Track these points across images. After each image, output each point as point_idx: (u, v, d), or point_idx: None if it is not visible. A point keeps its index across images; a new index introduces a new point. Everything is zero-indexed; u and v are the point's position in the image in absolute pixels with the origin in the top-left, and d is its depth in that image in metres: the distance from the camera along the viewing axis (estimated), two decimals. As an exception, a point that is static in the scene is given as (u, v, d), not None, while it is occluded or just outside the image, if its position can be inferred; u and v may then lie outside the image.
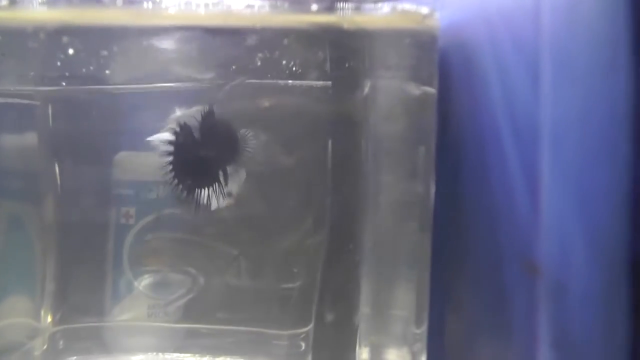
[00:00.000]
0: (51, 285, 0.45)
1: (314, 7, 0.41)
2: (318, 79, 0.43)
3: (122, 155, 0.44)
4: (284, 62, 0.42)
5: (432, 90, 0.44)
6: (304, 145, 0.45)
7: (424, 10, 0.43)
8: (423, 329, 0.46)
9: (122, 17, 0.41)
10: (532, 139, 0.34)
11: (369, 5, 0.42)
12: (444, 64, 0.44)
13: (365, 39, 0.43)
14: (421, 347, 0.46)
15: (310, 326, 0.45)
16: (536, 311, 0.34)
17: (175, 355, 0.45)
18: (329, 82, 0.43)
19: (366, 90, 0.44)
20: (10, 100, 0.44)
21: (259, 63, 0.42)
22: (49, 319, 0.45)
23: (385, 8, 0.42)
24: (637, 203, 0.28)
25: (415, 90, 0.44)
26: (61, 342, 0.46)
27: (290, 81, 0.43)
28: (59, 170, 0.44)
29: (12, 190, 0.45)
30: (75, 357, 0.45)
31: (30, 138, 0.45)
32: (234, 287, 0.45)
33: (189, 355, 0.45)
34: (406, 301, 0.46)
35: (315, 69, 0.43)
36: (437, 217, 0.44)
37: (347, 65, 0.44)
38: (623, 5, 0.29)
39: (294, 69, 0.43)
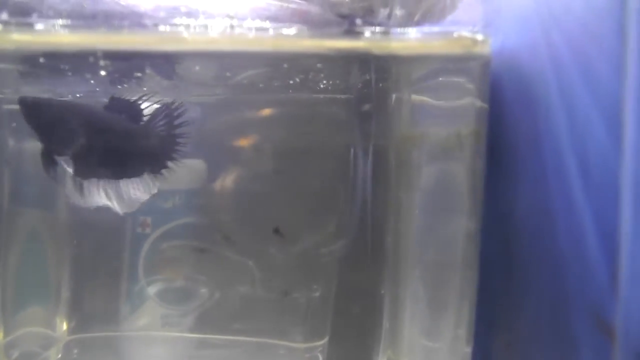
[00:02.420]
0: (66, 294, 0.46)
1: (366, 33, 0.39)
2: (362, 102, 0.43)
3: None
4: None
5: (483, 117, 0.42)
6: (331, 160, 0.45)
7: (477, 36, 0.40)
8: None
9: (141, 42, 0.40)
10: (610, 193, 0.32)
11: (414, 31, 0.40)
12: (496, 90, 0.41)
13: (412, 63, 0.42)
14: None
15: (326, 339, 0.45)
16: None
17: None
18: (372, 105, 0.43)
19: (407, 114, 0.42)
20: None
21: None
22: (64, 327, 0.46)
23: (433, 33, 0.40)
24: None
25: (464, 117, 0.42)
26: (75, 351, 0.46)
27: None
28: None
29: (28, 199, 0.45)
30: None
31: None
32: (249, 297, 0.45)
33: None
34: (442, 326, 0.44)
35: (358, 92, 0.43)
36: (486, 251, 0.42)
37: (389, 89, 0.43)
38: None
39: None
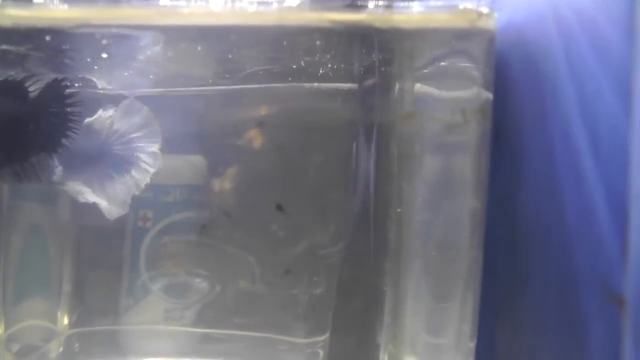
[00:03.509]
0: (67, 288, 0.45)
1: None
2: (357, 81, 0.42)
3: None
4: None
5: (488, 94, 0.41)
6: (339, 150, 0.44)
7: (482, 9, 0.39)
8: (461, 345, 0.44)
9: (140, 16, 0.41)
10: (620, 163, 0.31)
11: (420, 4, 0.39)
12: (502, 66, 0.41)
13: (410, 38, 0.41)
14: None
15: (328, 335, 0.45)
16: (620, 345, 0.32)
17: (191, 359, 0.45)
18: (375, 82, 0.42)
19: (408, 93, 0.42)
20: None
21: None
22: (65, 321, 0.46)
23: (438, 5, 0.40)
24: None
25: (469, 94, 0.41)
26: (77, 345, 0.46)
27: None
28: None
29: (29, 193, 0.45)
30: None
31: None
32: (251, 292, 0.45)
33: None
34: (445, 321, 0.43)
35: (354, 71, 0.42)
36: (490, 233, 0.42)
37: (388, 67, 0.42)
38: None
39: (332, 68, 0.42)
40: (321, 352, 0.45)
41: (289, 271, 0.45)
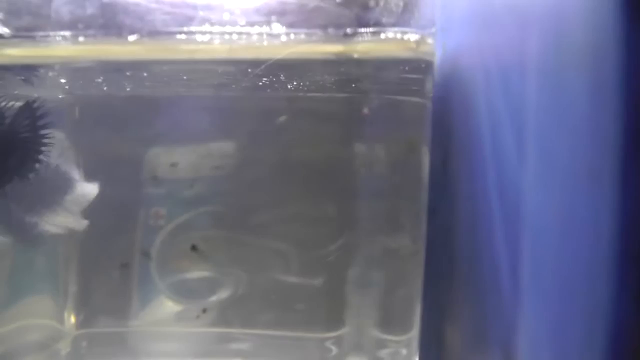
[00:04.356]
0: (74, 288, 0.45)
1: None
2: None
3: (154, 154, 0.44)
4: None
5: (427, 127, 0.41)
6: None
7: (415, 37, 0.38)
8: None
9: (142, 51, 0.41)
10: (516, 220, 0.29)
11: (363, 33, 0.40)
12: (442, 93, 0.39)
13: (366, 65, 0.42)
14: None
15: (343, 330, 0.44)
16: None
17: None
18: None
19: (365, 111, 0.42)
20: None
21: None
22: (72, 321, 0.45)
23: (378, 35, 0.40)
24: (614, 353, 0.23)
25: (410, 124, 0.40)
26: (84, 345, 0.45)
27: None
28: (85, 170, 0.43)
29: None
30: None
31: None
32: (266, 290, 0.44)
33: None
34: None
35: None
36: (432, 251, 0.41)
37: (353, 86, 0.42)
38: (610, 100, 0.22)
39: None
40: (336, 348, 0.44)
41: (304, 267, 0.44)
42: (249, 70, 0.42)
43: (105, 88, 0.43)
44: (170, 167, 0.43)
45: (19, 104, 0.41)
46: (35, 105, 0.40)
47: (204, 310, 0.43)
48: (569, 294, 0.25)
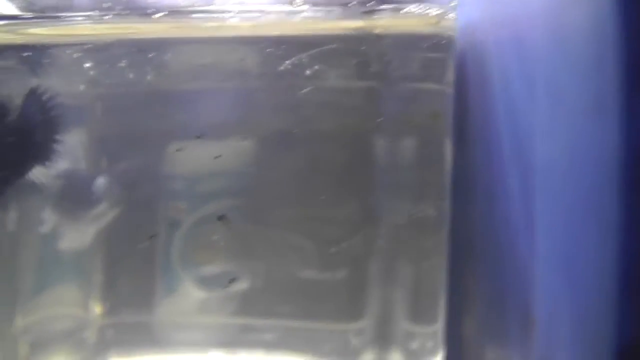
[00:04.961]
0: (99, 278, 0.45)
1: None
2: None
3: (174, 149, 0.44)
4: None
5: (449, 98, 0.41)
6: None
7: (436, 11, 0.39)
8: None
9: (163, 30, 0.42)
10: (530, 173, 0.29)
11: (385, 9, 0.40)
12: (461, 67, 0.39)
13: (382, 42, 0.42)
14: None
15: (364, 321, 0.44)
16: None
17: (227, 351, 0.45)
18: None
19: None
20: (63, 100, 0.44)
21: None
22: (98, 311, 0.46)
23: (398, 11, 0.40)
24: (625, 286, 0.23)
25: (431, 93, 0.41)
26: (110, 334, 0.46)
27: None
28: (108, 165, 0.44)
29: None
30: (123, 350, 0.46)
31: (80, 135, 0.45)
32: (288, 281, 0.44)
33: (240, 351, 0.45)
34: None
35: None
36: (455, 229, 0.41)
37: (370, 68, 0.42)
38: (612, 39, 0.23)
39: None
40: (357, 340, 0.44)
41: (328, 258, 0.44)
42: (268, 50, 0.42)
43: (130, 75, 0.43)
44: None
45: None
46: (40, 91, 0.41)
47: (231, 281, 0.44)
48: (580, 235, 0.25)
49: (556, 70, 0.27)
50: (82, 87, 0.44)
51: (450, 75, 0.42)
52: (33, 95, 0.41)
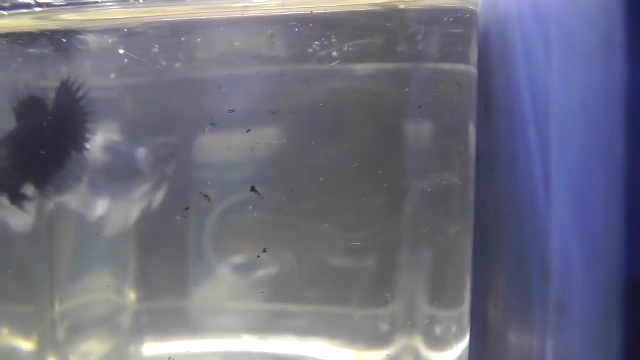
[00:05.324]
0: (133, 266, 0.46)
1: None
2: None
3: (204, 138, 0.44)
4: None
5: (474, 71, 0.42)
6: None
7: None
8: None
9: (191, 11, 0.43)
10: (547, 125, 0.30)
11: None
12: (485, 38, 0.40)
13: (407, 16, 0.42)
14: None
15: (394, 307, 0.44)
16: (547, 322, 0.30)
17: (259, 337, 0.46)
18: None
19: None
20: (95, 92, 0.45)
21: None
22: (133, 297, 0.47)
23: None
24: (633, 225, 0.24)
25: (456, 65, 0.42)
26: (145, 320, 0.47)
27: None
28: (140, 155, 0.45)
29: None
30: (157, 335, 0.47)
31: (112, 126, 0.46)
32: (321, 266, 0.45)
33: (272, 336, 0.46)
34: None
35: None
36: (480, 204, 0.41)
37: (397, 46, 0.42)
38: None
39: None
40: (387, 326, 0.44)
41: (359, 244, 0.44)
42: (297, 30, 0.42)
43: (162, 62, 0.44)
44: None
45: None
46: (71, 82, 0.42)
47: (264, 250, 0.44)
48: (591, 177, 0.26)
49: (569, 23, 0.28)
50: (117, 71, 0.45)
51: (474, 47, 0.42)
52: (64, 87, 0.43)
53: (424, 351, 0.44)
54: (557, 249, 0.29)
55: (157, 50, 0.44)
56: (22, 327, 0.48)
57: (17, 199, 0.44)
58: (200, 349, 0.46)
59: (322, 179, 0.44)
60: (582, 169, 0.27)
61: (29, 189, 0.44)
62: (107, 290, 0.46)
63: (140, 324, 0.47)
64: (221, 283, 0.45)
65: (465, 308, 0.44)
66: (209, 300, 0.46)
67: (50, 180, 0.43)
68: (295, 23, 0.42)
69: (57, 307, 0.46)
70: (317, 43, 0.42)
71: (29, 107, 0.43)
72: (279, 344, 0.45)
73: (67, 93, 0.43)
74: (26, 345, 0.48)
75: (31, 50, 0.44)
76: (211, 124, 0.44)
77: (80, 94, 0.43)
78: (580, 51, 0.27)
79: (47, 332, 0.46)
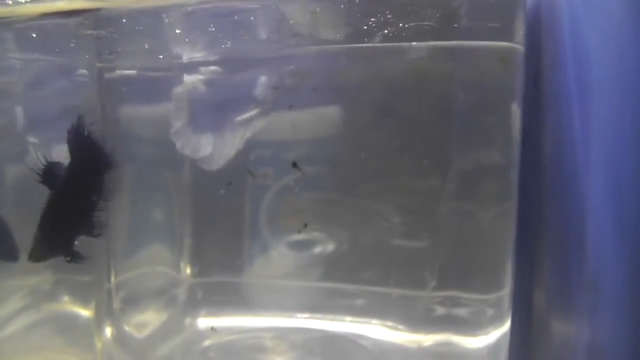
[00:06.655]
0: (188, 241, 0.47)
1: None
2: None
3: (258, 117, 0.44)
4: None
5: (520, 47, 0.40)
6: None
7: None
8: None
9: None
10: (587, 97, 0.30)
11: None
12: (534, 15, 0.39)
13: None
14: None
15: (447, 290, 0.44)
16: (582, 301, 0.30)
17: (312, 315, 0.46)
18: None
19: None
20: (146, 73, 0.46)
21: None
22: (188, 271, 0.48)
23: None
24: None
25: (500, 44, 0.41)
26: (200, 294, 0.48)
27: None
28: (199, 127, 0.45)
29: (157, 155, 0.47)
30: (211, 309, 0.48)
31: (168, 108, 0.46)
32: (376, 247, 0.45)
33: (326, 315, 0.46)
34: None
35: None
36: (524, 183, 0.41)
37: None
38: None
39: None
40: (440, 307, 0.44)
41: (415, 225, 0.44)
42: (343, 6, 0.42)
43: (225, 43, 0.44)
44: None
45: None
46: (78, 119, 0.45)
47: (305, 225, 0.45)
48: (625, 148, 0.25)
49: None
50: (173, 50, 0.45)
51: (520, 22, 0.42)
52: (79, 121, 0.45)
53: (461, 337, 0.44)
54: (593, 230, 0.29)
55: (213, 29, 0.44)
56: (81, 295, 0.49)
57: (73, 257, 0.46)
58: (254, 324, 0.47)
59: (362, 155, 0.43)
60: (616, 152, 0.27)
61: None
62: (164, 263, 0.47)
63: (195, 297, 0.47)
64: (275, 260, 0.46)
65: (506, 292, 0.43)
66: (264, 277, 0.46)
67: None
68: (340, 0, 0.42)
69: (112, 278, 0.47)
70: (360, 20, 0.42)
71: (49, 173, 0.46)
72: (332, 323, 0.46)
73: (77, 129, 0.45)
74: (85, 312, 0.49)
75: (88, 32, 0.45)
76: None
77: (85, 126, 0.45)
78: (614, 21, 0.27)
79: (104, 301, 0.48)
